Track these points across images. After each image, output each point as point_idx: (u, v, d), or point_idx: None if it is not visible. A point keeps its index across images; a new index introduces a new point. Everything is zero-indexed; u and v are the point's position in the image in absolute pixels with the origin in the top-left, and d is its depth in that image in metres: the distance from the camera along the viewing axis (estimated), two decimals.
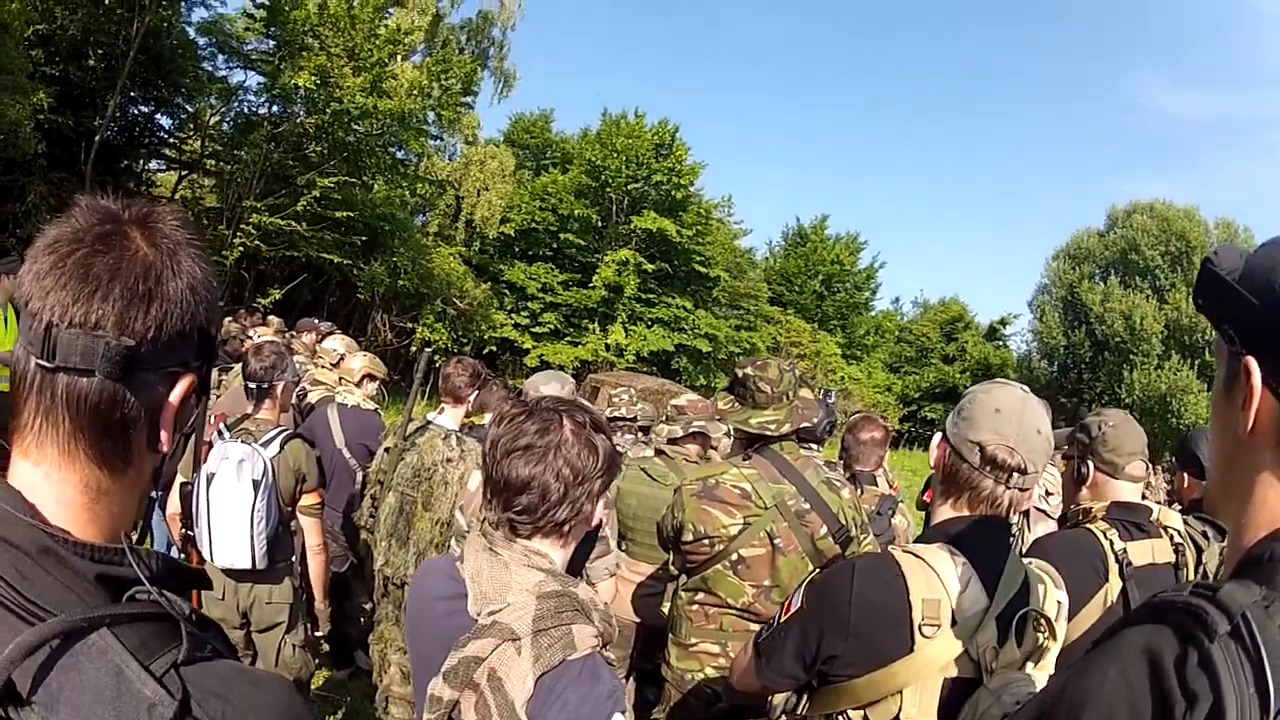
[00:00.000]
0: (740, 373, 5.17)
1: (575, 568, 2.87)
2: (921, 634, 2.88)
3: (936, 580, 2.92)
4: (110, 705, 1.22)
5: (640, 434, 7.93)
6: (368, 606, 8.29)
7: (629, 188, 44.44)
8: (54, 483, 1.38)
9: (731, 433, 6.56)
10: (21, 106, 17.81)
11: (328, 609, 6.89)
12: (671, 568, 5.37)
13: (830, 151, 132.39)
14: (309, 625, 6.55)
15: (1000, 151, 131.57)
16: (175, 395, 1.46)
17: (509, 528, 2.75)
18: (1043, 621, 2.95)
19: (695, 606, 5.04)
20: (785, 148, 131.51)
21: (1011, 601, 2.94)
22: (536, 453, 2.71)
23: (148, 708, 1.23)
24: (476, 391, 7.10)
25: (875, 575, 3.02)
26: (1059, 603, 3.10)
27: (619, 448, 2.93)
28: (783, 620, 3.27)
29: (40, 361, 1.34)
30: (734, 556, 4.85)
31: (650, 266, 43.67)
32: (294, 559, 6.39)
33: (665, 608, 5.63)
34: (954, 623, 2.89)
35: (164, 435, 1.47)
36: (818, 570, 3.44)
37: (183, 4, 26.43)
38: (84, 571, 1.31)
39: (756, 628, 4.36)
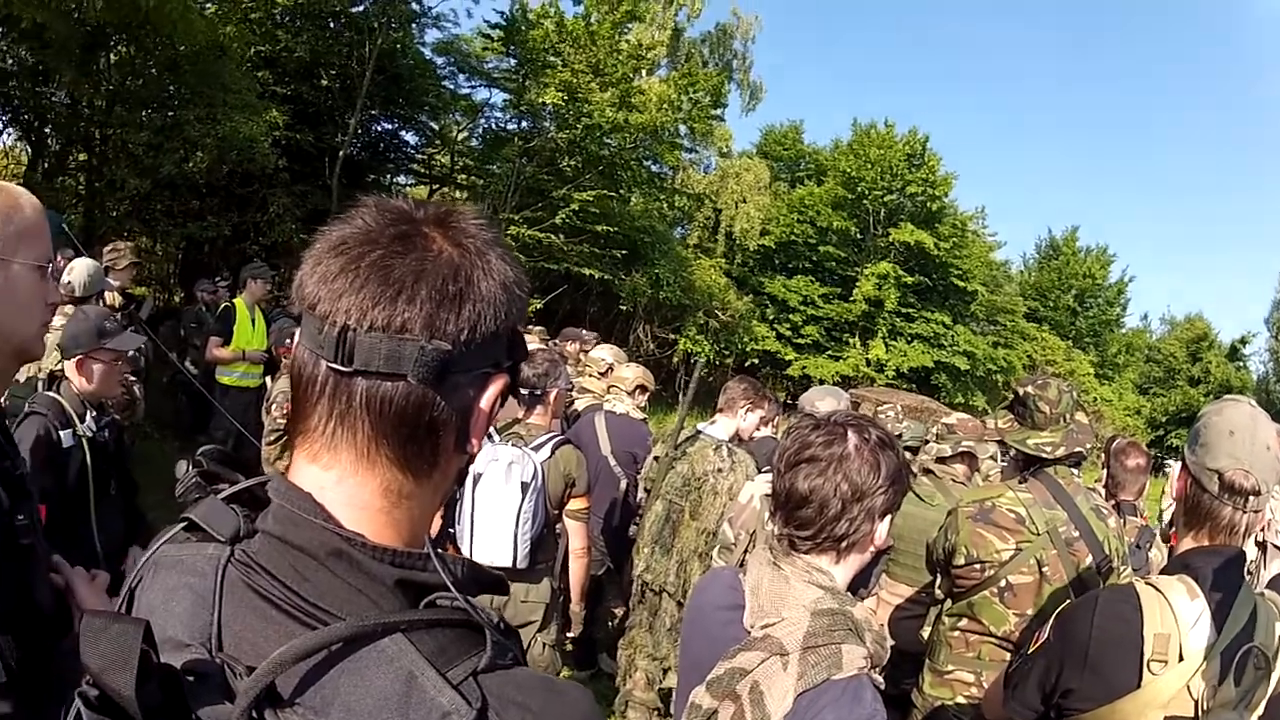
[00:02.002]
0: (1021, 391, 5.07)
1: (856, 587, 2.84)
2: (1150, 670, 2.81)
3: (1170, 614, 2.82)
4: (398, 712, 1.20)
5: (907, 453, 7.88)
6: (618, 611, 8.41)
7: (885, 199, 43.85)
8: (349, 487, 1.35)
9: (997, 455, 6.43)
10: (255, 124, 18.39)
11: (582, 611, 7.02)
12: (937, 591, 5.29)
13: (1078, 159, 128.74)
14: (561, 626, 6.64)
15: (1242, 157, 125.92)
16: (486, 399, 1.41)
17: (789, 542, 2.75)
18: (1263, 659, 2.83)
19: (957, 633, 4.97)
20: (1034, 155, 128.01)
21: (1237, 637, 2.81)
22: (819, 466, 2.69)
23: (441, 716, 1.20)
24: (750, 405, 7.14)
25: (1115, 608, 2.95)
26: None
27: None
28: (1031, 651, 3.23)
29: (334, 365, 1.31)
30: (1002, 583, 4.77)
31: (909, 280, 42.98)
32: (555, 560, 6.59)
33: (925, 632, 5.56)
34: (1180, 658, 2.78)
35: (474, 438, 1.43)
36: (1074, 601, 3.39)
37: (414, 26, 26.96)
38: (382, 575, 1.29)
39: (1010, 658, 4.30)
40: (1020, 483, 4.94)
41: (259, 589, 1.28)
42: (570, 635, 7.13)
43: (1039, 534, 4.72)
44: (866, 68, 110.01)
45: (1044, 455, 4.88)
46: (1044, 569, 4.70)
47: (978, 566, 4.80)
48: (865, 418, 2.88)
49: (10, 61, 20.14)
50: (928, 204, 43.84)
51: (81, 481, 4.53)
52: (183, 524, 1.42)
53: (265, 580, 1.28)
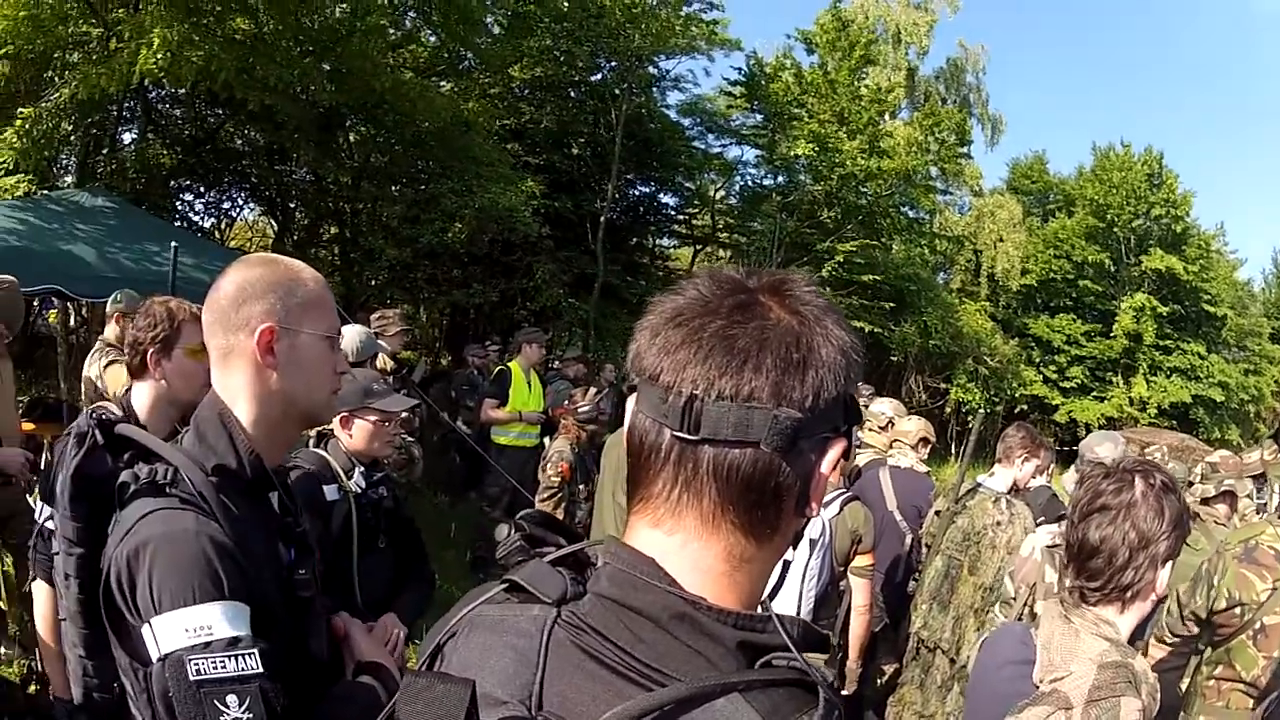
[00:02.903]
0: None
1: (1134, 638, 2.86)
2: None
3: None
4: None
5: None
6: (887, 669, 8.35)
7: (1133, 225, 42.34)
8: (692, 551, 1.37)
9: (1253, 493, 6.27)
10: (513, 194, 18.75)
11: (858, 668, 7.06)
12: (1199, 642, 5.18)
13: None
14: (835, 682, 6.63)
15: None
16: (827, 463, 1.40)
17: (1079, 594, 2.84)
18: None
19: (1211, 682, 4.88)
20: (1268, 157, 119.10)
21: None
22: (1109, 515, 2.79)
23: None
24: (1026, 454, 7.10)
25: None
26: None
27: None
28: None
29: (679, 434, 1.32)
30: (1257, 625, 4.68)
31: (1164, 310, 41.22)
32: (838, 617, 6.55)
33: (1183, 684, 5.43)
34: None
35: (813, 502, 1.43)
36: None
37: (654, 90, 27.35)
38: (723, 638, 1.30)
39: (1251, 704, 4.23)
40: None
41: (589, 650, 1.32)
42: (842, 693, 7.04)
43: None
44: (1076, 81, 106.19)
45: None
46: None
47: (1238, 610, 4.71)
48: (1151, 463, 2.95)
49: (240, 142, 21.29)
50: (1172, 226, 42.39)
51: (345, 535, 4.67)
52: (503, 585, 1.49)
53: (596, 641, 1.32)
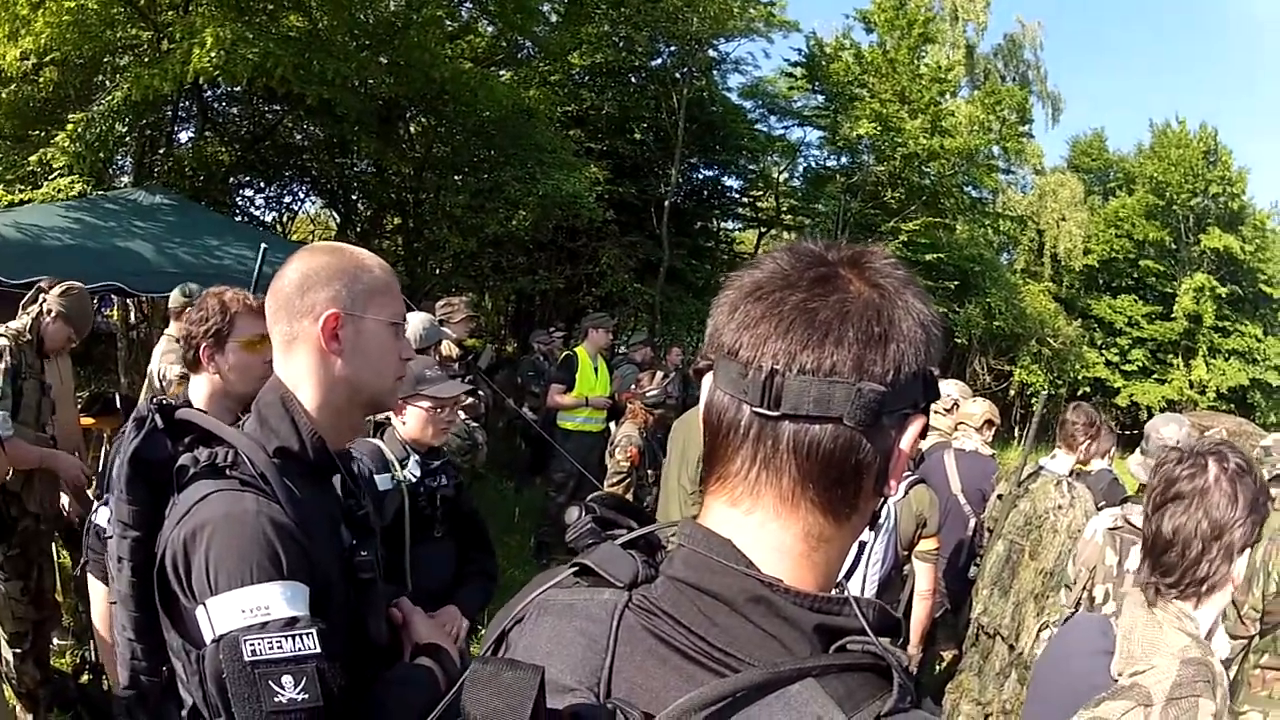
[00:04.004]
0: None
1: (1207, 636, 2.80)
2: None
3: None
4: None
5: None
6: (946, 655, 8.37)
7: (1191, 203, 41.64)
8: (770, 531, 1.34)
9: None
10: (576, 180, 18.81)
11: (918, 655, 7.01)
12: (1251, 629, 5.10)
13: None
14: None
15: None
16: (907, 439, 1.36)
17: (1154, 589, 2.74)
18: None
19: (1257, 671, 4.83)
20: None
21: None
22: (1182, 503, 2.71)
23: None
24: (1088, 438, 7.09)
25: None
26: None
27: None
28: None
29: (759, 410, 1.29)
30: None
31: (1222, 291, 40.56)
32: (900, 602, 6.51)
33: (1232, 672, 5.36)
34: None
35: (892, 480, 1.39)
36: None
37: (715, 73, 27.45)
38: (799, 620, 1.27)
39: None
40: None
41: (660, 634, 1.31)
42: None
43: None
44: (1130, 56, 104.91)
45: None
46: None
47: None
48: (1226, 444, 2.89)
49: (299, 136, 21.51)
50: (1228, 204, 41.78)
51: (398, 524, 4.61)
52: (572, 569, 1.46)
53: (668, 625, 1.30)
